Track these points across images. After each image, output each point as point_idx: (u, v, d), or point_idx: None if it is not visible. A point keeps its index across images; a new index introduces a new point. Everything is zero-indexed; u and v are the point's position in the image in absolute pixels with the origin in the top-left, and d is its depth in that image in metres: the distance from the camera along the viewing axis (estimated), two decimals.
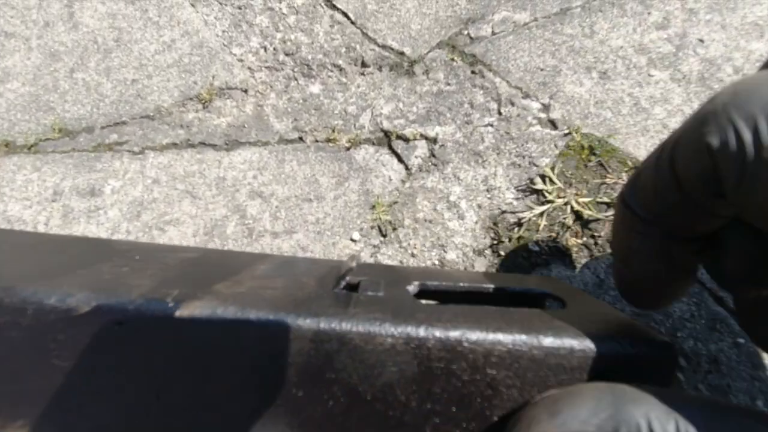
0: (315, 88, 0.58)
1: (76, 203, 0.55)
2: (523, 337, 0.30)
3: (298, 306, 0.31)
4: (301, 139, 0.57)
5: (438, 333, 0.30)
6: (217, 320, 0.30)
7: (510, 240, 0.50)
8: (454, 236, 0.51)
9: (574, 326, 0.32)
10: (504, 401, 0.31)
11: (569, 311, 0.35)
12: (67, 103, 0.60)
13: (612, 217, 0.48)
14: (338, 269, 0.37)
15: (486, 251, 0.50)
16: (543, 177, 0.51)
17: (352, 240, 0.52)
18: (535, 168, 0.52)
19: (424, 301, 0.37)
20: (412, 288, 0.38)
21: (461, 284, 0.41)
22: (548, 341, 0.30)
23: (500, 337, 0.30)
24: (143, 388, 0.30)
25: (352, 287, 0.37)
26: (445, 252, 0.50)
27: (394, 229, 0.52)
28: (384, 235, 0.52)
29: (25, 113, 0.60)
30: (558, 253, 0.49)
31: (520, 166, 0.53)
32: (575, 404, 0.25)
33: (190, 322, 0.30)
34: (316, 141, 0.56)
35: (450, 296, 0.42)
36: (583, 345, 0.30)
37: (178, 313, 0.30)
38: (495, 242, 0.50)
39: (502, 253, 0.50)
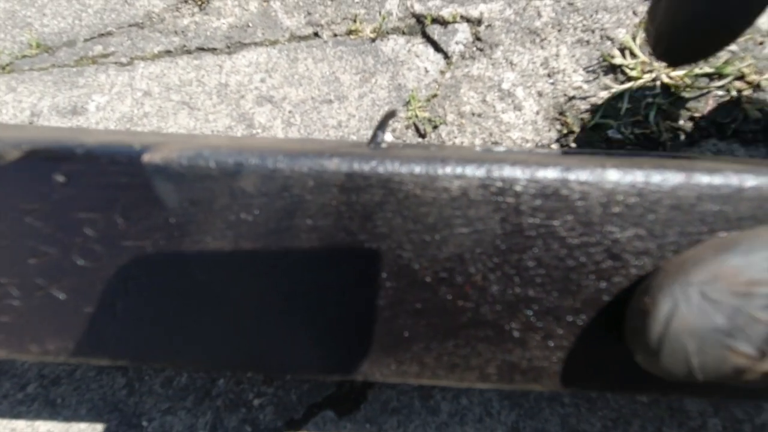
0: None
1: (57, 124, 0.47)
2: (663, 173, 0.20)
3: (320, 152, 0.21)
4: (316, 34, 0.47)
5: (531, 171, 0.20)
6: (201, 168, 0.20)
7: (583, 129, 0.40)
8: (510, 131, 0.41)
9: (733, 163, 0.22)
10: (630, 277, 0.20)
11: (711, 159, 0.25)
12: (46, 16, 0.52)
13: (717, 90, 0.37)
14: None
15: (552, 146, 0.40)
16: (622, 50, 0.41)
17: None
18: (609, 43, 0.42)
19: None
20: (478, 147, 0.28)
21: (541, 150, 0.30)
22: (702, 178, 0.20)
23: (626, 174, 0.20)
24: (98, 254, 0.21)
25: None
26: None
27: (435, 127, 0.42)
28: (422, 135, 0.42)
29: (0, 31, 0.52)
30: (647, 141, 0.39)
31: (589, 42, 0.42)
32: (752, 247, 0.16)
33: (164, 171, 0.20)
34: (335, 35, 0.47)
35: None
36: (759, 180, 0.20)
37: (146, 158, 0.20)
38: (563, 134, 0.40)
39: (574, 145, 0.39)
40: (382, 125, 0.25)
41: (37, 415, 0.38)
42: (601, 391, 0.29)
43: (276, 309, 0.21)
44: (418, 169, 0.20)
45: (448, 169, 0.20)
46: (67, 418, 0.38)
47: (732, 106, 0.38)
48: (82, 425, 0.37)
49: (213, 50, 0.48)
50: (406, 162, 0.20)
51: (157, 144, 0.21)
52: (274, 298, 0.21)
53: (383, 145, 0.26)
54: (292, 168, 0.20)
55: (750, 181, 0.19)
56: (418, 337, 0.21)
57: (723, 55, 0.39)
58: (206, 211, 0.20)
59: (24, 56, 0.50)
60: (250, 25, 0.49)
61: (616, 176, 0.20)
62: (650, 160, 0.23)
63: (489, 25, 0.44)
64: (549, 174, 0.20)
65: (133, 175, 0.20)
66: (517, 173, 0.20)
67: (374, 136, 0.25)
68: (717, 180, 0.19)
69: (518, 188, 0.19)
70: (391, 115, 0.25)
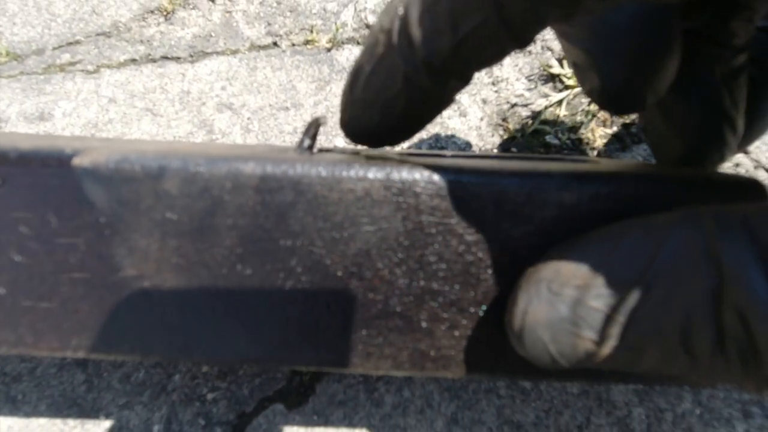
0: None
1: (24, 129, 0.48)
2: (549, 177, 0.22)
3: (241, 156, 0.23)
4: (275, 44, 0.49)
5: (428, 174, 0.22)
6: (127, 171, 0.22)
7: (523, 135, 0.42)
8: (455, 136, 0.43)
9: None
10: (524, 271, 0.22)
11: (619, 163, 0.27)
12: (16, 25, 0.54)
13: None
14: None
15: (494, 151, 0.42)
16: (560, 60, 0.43)
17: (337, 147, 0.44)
18: (549, 53, 0.44)
19: None
20: (400, 149, 0.30)
21: (468, 155, 0.32)
22: (584, 181, 0.22)
23: (514, 177, 0.22)
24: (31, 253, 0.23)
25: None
26: None
27: None
28: None
29: None
30: (582, 146, 0.41)
31: (531, 52, 0.44)
32: (589, 243, 0.19)
33: (92, 174, 0.22)
34: (293, 45, 0.49)
35: None
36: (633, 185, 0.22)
37: (76, 161, 0.22)
38: (505, 139, 0.42)
39: (515, 150, 0.42)
40: (307, 131, 0.27)
41: None
42: (506, 378, 0.31)
43: (199, 301, 0.23)
44: (324, 172, 0.22)
45: (352, 172, 0.21)
46: (28, 414, 0.39)
47: None
48: (42, 420, 0.39)
49: (177, 59, 0.50)
50: (315, 165, 0.22)
51: (88, 148, 0.23)
52: (197, 291, 0.23)
53: (314, 150, 0.27)
54: (211, 171, 0.22)
55: (628, 183, 0.21)
56: (334, 327, 0.23)
57: None
58: (133, 210, 0.22)
59: None
60: (213, 35, 0.50)
61: (506, 178, 0.22)
62: (554, 164, 0.25)
63: None
64: (444, 176, 0.22)
65: (64, 178, 0.22)
66: (416, 175, 0.22)
67: (301, 141, 0.27)
68: (596, 184, 0.21)
69: (417, 189, 0.21)
70: (315, 122, 0.27)
